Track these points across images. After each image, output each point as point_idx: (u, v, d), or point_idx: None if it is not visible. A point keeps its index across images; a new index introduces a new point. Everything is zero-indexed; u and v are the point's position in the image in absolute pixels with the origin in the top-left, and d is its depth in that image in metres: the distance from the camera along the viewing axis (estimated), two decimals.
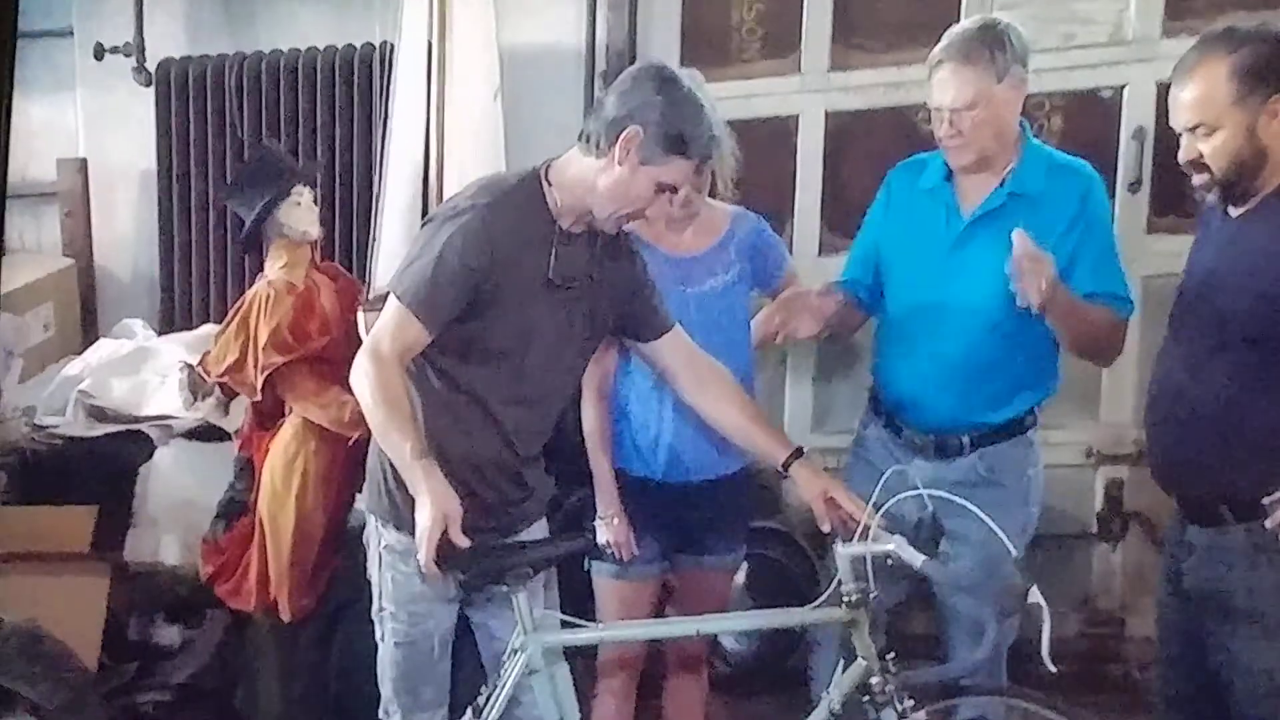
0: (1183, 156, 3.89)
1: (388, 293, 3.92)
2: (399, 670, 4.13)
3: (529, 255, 3.89)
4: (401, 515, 3.95)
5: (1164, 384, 4.04)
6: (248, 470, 5.00)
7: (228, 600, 5.00)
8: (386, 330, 3.85)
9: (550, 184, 3.91)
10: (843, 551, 3.92)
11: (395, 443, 3.77)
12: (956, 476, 4.40)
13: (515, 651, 3.94)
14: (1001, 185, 4.39)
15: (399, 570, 4.03)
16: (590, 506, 4.76)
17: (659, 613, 4.88)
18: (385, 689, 4.18)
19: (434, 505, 3.63)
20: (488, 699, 3.95)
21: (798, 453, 4.06)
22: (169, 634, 5.49)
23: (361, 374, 3.81)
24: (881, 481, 3.97)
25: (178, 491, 5.37)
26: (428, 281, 3.80)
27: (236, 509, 5.00)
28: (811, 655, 4.87)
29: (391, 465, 3.92)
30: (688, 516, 4.69)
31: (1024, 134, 4.44)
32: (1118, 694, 5.80)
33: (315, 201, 5.17)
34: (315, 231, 5.11)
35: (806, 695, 4.86)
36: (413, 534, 3.72)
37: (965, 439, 4.52)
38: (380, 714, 4.18)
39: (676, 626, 4.56)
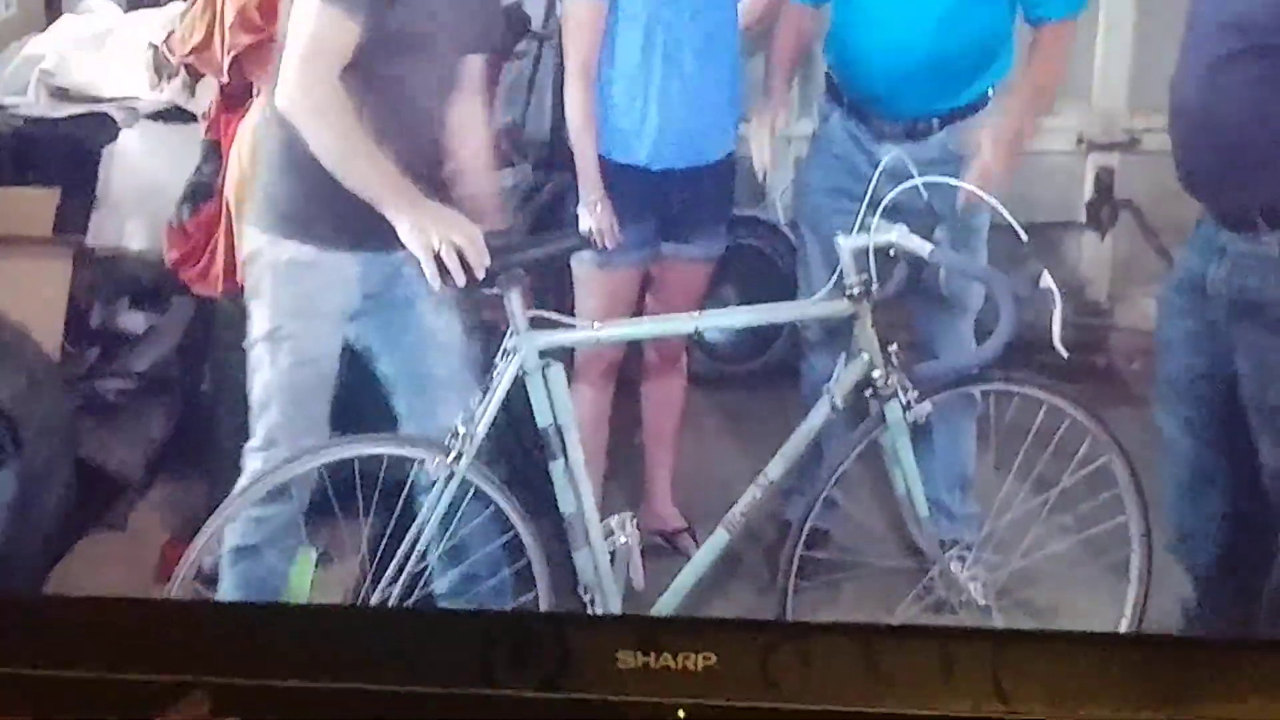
0: None
1: None
2: (292, 393, 3.96)
3: None
4: (312, 229, 3.88)
5: (1185, 95, 3.91)
6: (214, 153, 4.83)
7: (193, 285, 4.88)
8: (312, 41, 3.68)
9: None
10: (844, 243, 3.92)
11: (363, 170, 3.70)
12: (930, 155, 4.35)
13: (507, 353, 3.86)
14: None
15: (300, 285, 3.92)
16: (563, 197, 4.74)
17: (639, 304, 4.81)
18: (266, 421, 3.98)
19: (451, 225, 3.64)
20: (480, 406, 3.86)
21: None
22: (133, 320, 5.41)
23: (301, 99, 3.69)
24: (878, 170, 3.99)
25: (143, 175, 5.25)
26: None
27: (203, 192, 4.85)
28: (803, 359, 4.86)
29: (296, 176, 3.85)
30: (672, 204, 4.65)
31: None
32: (1104, 384, 5.79)
33: None
34: None
35: (789, 387, 4.96)
36: (320, 246, 3.85)
37: (934, 120, 4.53)
38: (252, 448, 4.01)
39: (675, 323, 4.46)
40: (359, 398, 4.13)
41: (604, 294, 4.61)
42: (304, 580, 4.37)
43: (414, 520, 3.98)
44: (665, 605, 4.05)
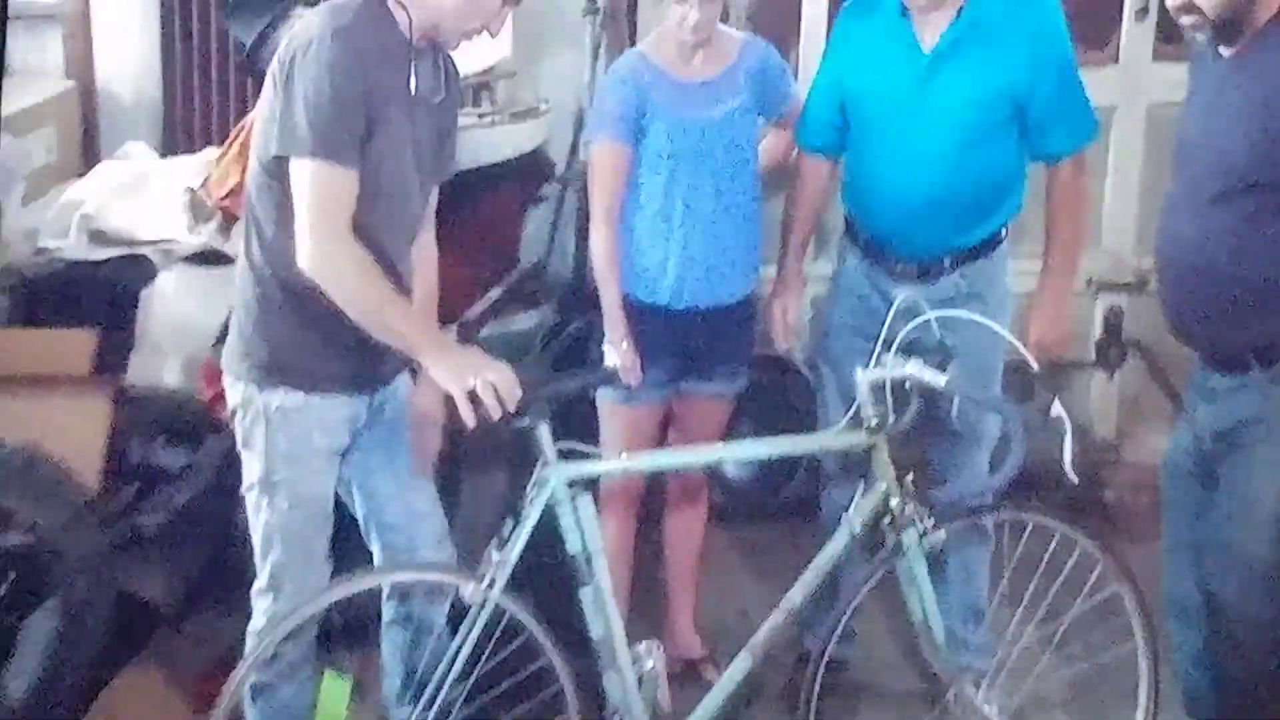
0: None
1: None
2: (293, 534, 3.95)
3: (390, 74, 3.76)
4: (297, 375, 3.86)
5: (1172, 236, 4.00)
6: None
7: (229, 423, 4.64)
8: (321, 201, 3.63)
9: (397, 1, 3.77)
10: (862, 377, 3.97)
11: (396, 321, 3.69)
12: (942, 295, 4.42)
13: (537, 485, 3.87)
14: (959, 17, 4.37)
15: (292, 430, 3.89)
16: (588, 335, 4.82)
17: (660, 440, 4.87)
18: (269, 563, 3.97)
19: (484, 365, 3.63)
20: (510, 531, 3.87)
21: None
22: (170, 457, 5.40)
23: (323, 259, 3.63)
24: (893, 310, 4.06)
25: (179, 315, 5.29)
26: (327, 121, 3.59)
27: None
28: (823, 491, 4.87)
29: (283, 326, 3.84)
30: (693, 343, 4.72)
31: None
32: (1111, 520, 5.86)
33: None
34: None
35: (802, 522, 5.05)
36: (310, 391, 3.82)
37: (946, 260, 4.57)
38: (259, 590, 4.01)
39: (699, 454, 4.54)
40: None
41: (627, 429, 4.67)
42: (339, 707, 4.32)
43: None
44: None
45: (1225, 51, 3.83)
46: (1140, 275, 6.17)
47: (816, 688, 4.10)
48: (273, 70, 3.68)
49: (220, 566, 5.20)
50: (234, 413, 3.99)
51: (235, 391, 3.97)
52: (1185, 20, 3.80)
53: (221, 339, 4.78)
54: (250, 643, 3.99)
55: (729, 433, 4.95)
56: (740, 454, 4.56)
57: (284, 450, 3.89)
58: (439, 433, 4.10)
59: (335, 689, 4.26)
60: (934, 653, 4.15)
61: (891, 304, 4.27)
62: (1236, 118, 3.75)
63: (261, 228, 3.84)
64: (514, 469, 4.41)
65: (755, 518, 5.91)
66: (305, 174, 3.61)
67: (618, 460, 4.35)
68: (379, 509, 4.14)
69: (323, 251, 3.62)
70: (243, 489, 4.00)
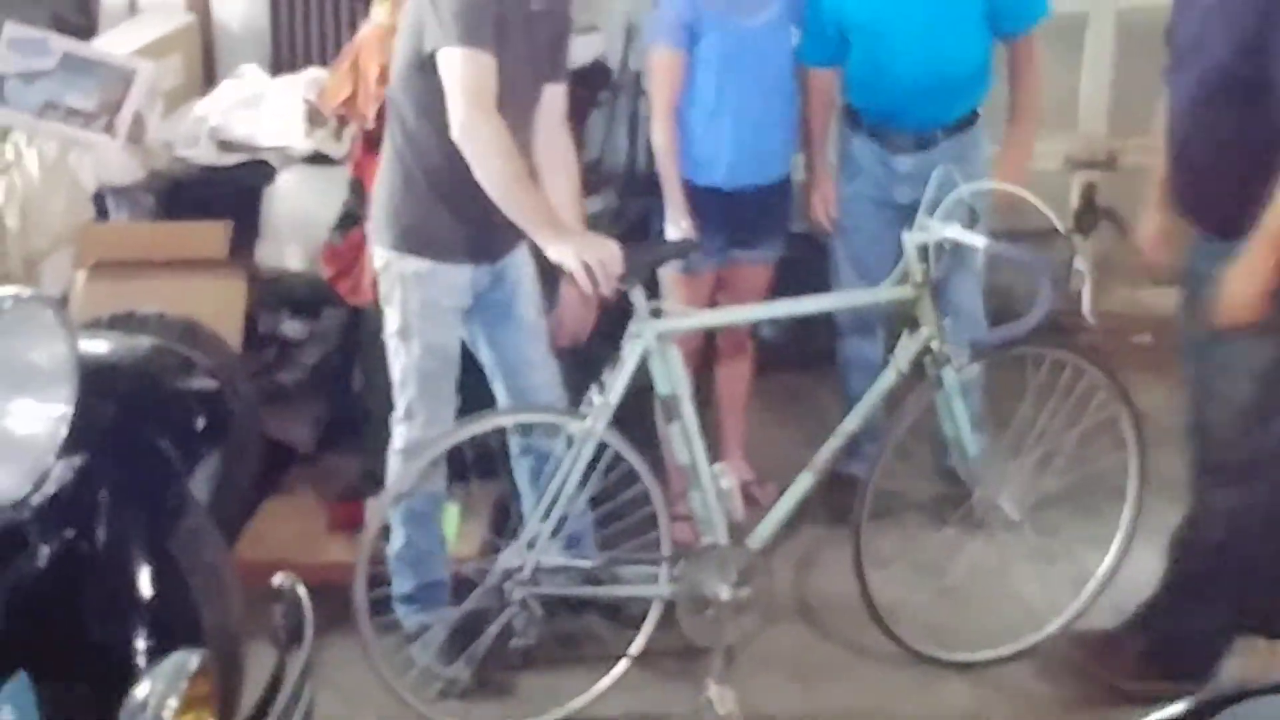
0: None
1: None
2: (424, 376, 4.20)
3: None
4: (428, 244, 4.12)
5: (1173, 132, 4.03)
6: (359, 188, 5.04)
7: (348, 297, 5.13)
8: (470, 80, 3.83)
9: None
10: (909, 238, 4.18)
11: (525, 198, 3.91)
12: (938, 160, 4.57)
13: (632, 337, 4.08)
14: None
15: (424, 291, 4.14)
16: (650, 214, 5.04)
17: (713, 302, 5.09)
18: (406, 397, 4.23)
19: (597, 246, 3.86)
20: (614, 379, 4.10)
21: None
22: (295, 327, 5.66)
23: (477, 129, 3.83)
24: (933, 182, 4.25)
25: (297, 208, 5.46)
26: (471, 15, 3.81)
27: (351, 220, 5.08)
28: (840, 341, 5.26)
29: (419, 203, 4.10)
30: (743, 217, 4.97)
31: None
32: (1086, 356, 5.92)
33: None
34: None
35: (826, 371, 5.46)
36: (438, 259, 4.08)
37: (939, 132, 4.94)
38: (397, 418, 4.28)
39: (774, 308, 4.86)
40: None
41: (689, 293, 4.90)
42: (451, 528, 4.73)
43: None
44: (762, 533, 4.29)
45: None
46: (1110, 154, 6.47)
47: (870, 500, 4.35)
48: None
49: (342, 414, 5.51)
50: (379, 272, 4.24)
51: (379, 256, 4.22)
52: None
53: (338, 225, 5.08)
54: (392, 461, 4.30)
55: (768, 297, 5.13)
56: (804, 309, 4.59)
57: (417, 307, 4.15)
58: (591, 310, 4.43)
59: (449, 514, 4.66)
60: (964, 464, 4.44)
61: (894, 173, 4.87)
62: (1226, 20, 3.73)
63: (405, 119, 4.10)
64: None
65: (785, 368, 6.14)
66: (455, 60, 3.82)
67: (700, 315, 4.57)
68: (502, 358, 4.39)
69: (473, 122, 3.82)
70: (383, 335, 4.26)
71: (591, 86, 6.13)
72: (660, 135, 4.83)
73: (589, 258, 3.82)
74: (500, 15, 3.88)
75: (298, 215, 5.46)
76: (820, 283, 5.23)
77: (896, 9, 4.77)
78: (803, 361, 6.17)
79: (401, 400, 4.26)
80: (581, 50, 5.60)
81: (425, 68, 3.94)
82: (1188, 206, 4.06)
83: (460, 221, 4.11)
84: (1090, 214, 6.39)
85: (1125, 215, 5.60)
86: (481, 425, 4.19)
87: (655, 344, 4.07)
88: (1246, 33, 3.68)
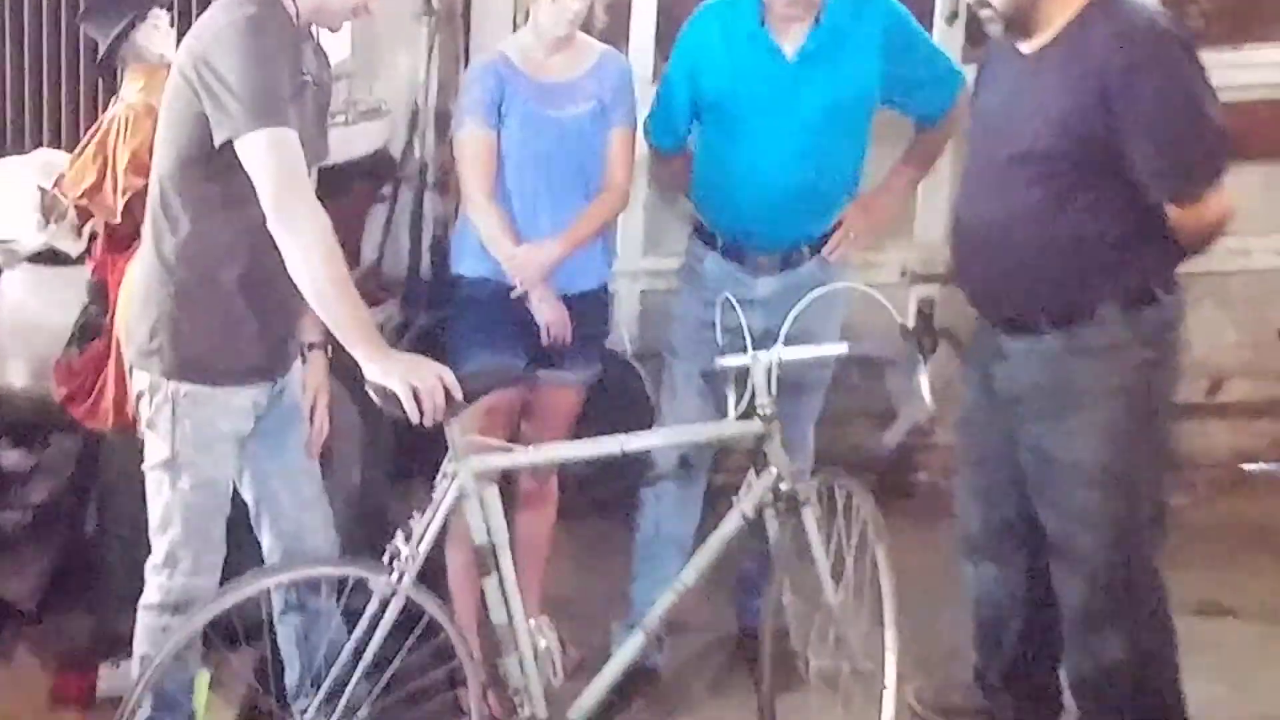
0: None
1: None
2: (191, 515, 3.87)
3: (288, 58, 3.68)
4: (206, 370, 3.79)
5: (970, 211, 4.11)
6: (101, 291, 4.73)
7: (85, 421, 4.73)
8: (285, 164, 3.53)
9: None
10: (763, 359, 4.02)
11: (345, 305, 3.57)
12: (802, 282, 4.46)
13: (445, 477, 3.80)
14: (818, 24, 4.45)
15: (198, 416, 3.80)
16: (431, 331, 4.89)
17: (515, 431, 4.75)
18: (168, 539, 3.89)
19: (430, 367, 3.58)
20: (423, 526, 3.79)
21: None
22: (16, 458, 5.29)
23: (300, 221, 3.51)
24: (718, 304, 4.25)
25: (23, 315, 5.10)
26: (265, 93, 3.53)
27: (90, 331, 4.75)
28: (647, 487, 4.90)
29: (195, 323, 3.76)
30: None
31: None
32: (924, 499, 5.94)
33: (172, 24, 4.88)
34: (172, 55, 4.68)
35: (631, 513, 5.02)
36: (214, 384, 3.76)
37: (805, 249, 4.66)
38: (154, 565, 3.93)
39: (600, 446, 4.33)
40: None
41: (485, 422, 4.42)
42: (200, 700, 4.30)
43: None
44: (585, 705, 4.03)
45: (1025, 49, 3.90)
46: (950, 266, 6.12)
47: (769, 665, 4.04)
48: (181, 74, 3.64)
49: (74, 564, 5.09)
50: (140, 396, 3.90)
51: (141, 378, 3.87)
52: (983, 14, 3.89)
53: (75, 337, 4.77)
54: (142, 619, 3.95)
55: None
56: (642, 444, 4.32)
57: (190, 434, 3.82)
58: (327, 413, 4.13)
59: (199, 683, 4.24)
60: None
61: (752, 298, 4.53)
62: (1036, 105, 3.83)
63: (177, 224, 3.76)
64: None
65: (585, 513, 5.70)
66: (260, 145, 3.52)
67: (522, 453, 4.21)
68: (270, 495, 4.06)
69: (292, 209, 3.52)
70: (144, 466, 3.91)
71: (374, 179, 5.86)
72: (486, 221, 4.49)
73: (418, 382, 3.54)
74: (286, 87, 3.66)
75: (23, 323, 5.13)
76: (628, 409, 5.06)
77: (770, 102, 4.52)
78: (604, 503, 5.72)
79: (161, 544, 3.91)
80: (367, 136, 5.52)
81: (212, 161, 3.63)
82: (979, 296, 4.21)
83: (243, 337, 3.81)
84: (929, 335, 5.97)
85: (966, 336, 5.26)
86: (262, 582, 3.83)
87: (473, 485, 3.79)
88: (1059, 110, 3.80)
